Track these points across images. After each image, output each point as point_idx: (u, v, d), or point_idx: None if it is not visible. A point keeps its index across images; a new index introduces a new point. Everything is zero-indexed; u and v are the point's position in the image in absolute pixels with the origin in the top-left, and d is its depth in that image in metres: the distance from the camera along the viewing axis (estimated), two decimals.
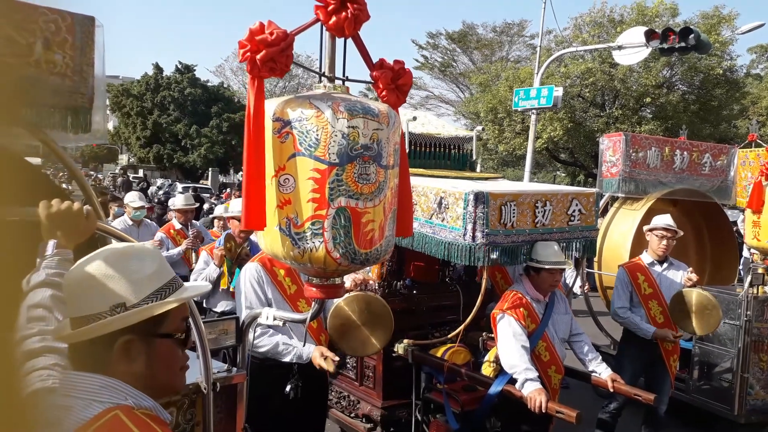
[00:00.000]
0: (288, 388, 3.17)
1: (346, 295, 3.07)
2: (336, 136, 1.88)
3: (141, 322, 1.27)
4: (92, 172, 31.89)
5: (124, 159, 50.49)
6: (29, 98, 2.84)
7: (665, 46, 10.45)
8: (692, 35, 10.15)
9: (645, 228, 4.76)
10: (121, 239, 2.19)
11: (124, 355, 1.27)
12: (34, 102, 2.88)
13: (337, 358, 3.09)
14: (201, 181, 33.34)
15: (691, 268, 4.67)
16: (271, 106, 1.95)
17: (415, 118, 4.45)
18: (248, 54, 1.82)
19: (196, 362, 2.32)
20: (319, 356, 3.08)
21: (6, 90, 2.42)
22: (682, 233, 4.68)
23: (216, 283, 4.90)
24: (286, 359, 3.16)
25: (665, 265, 4.64)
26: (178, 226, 6.44)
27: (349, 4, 1.88)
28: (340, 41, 2.06)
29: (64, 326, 1.34)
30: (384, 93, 2.09)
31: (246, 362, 2.68)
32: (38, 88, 2.84)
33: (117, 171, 42.84)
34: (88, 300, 1.28)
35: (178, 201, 6.91)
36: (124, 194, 10.44)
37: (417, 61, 32.41)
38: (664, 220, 4.60)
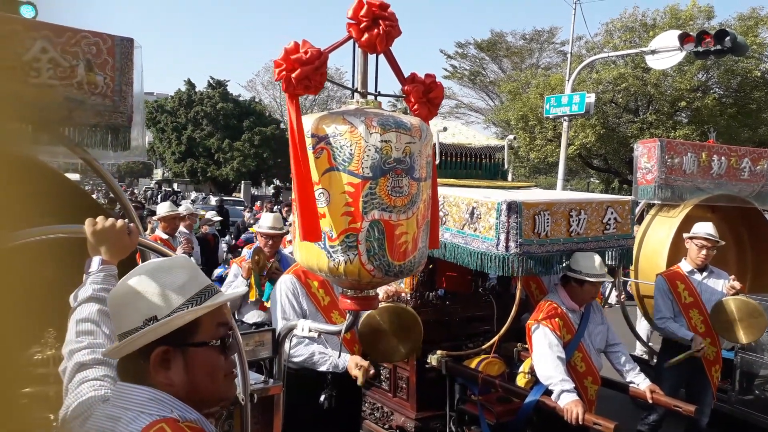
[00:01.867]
0: (322, 398, 3.21)
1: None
2: (369, 150, 1.91)
3: (173, 333, 1.29)
4: (129, 188, 32.73)
5: (159, 173, 51.63)
6: (72, 118, 2.96)
7: (700, 49, 10.25)
8: (728, 37, 9.93)
9: (685, 235, 4.66)
10: (161, 254, 2.25)
11: (160, 365, 1.29)
12: (77, 122, 3.00)
13: (372, 370, 3.12)
14: (234, 194, 33.87)
15: (733, 276, 4.55)
16: (305, 122, 1.99)
17: (445, 129, 4.45)
18: (284, 73, 1.86)
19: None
20: (354, 366, 3.11)
21: (51, 111, 2.52)
22: (723, 243, 4.57)
23: (245, 296, 4.96)
24: (323, 368, 3.20)
25: (705, 273, 4.54)
26: (164, 236, 5.93)
27: (380, 21, 1.92)
28: (371, 56, 2.09)
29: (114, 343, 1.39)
30: (416, 107, 2.11)
31: (282, 373, 2.71)
32: (80, 109, 2.95)
33: (152, 185, 43.80)
34: (126, 317, 1.33)
35: (161, 209, 6.22)
36: None
37: (446, 70, 32.40)
38: (705, 228, 4.49)
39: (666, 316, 4.46)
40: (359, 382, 3.08)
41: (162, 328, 1.28)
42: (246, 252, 5.61)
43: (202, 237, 9.12)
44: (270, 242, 4.92)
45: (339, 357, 3.19)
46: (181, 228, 6.90)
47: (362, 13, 1.94)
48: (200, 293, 1.34)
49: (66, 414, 1.37)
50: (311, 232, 1.97)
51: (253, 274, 4.87)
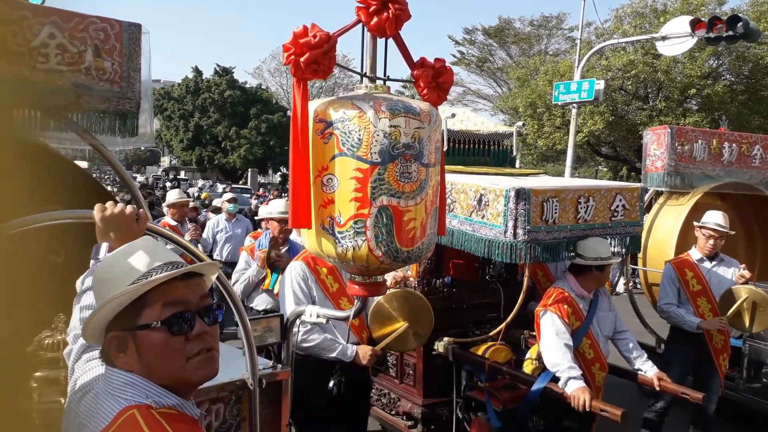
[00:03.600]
0: (331, 383, 3.22)
1: (386, 293, 3.09)
2: (378, 135, 1.90)
3: (121, 317, 1.26)
4: (136, 175, 32.86)
5: (166, 161, 51.78)
6: (80, 104, 2.97)
7: (712, 35, 10.11)
8: (740, 23, 9.79)
9: (695, 223, 4.63)
10: (170, 240, 2.26)
11: (115, 350, 1.27)
12: (85, 107, 3.00)
13: (378, 353, 3.16)
14: (240, 182, 33.93)
15: (743, 265, 4.52)
16: (313, 107, 1.98)
17: (453, 115, 4.43)
18: (292, 57, 1.85)
19: (242, 359, 2.38)
20: (363, 358, 3.17)
21: (59, 97, 2.52)
22: (732, 233, 4.53)
23: (258, 283, 4.99)
24: (332, 355, 3.21)
25: (715, 261, 4.51)
26: (173, 222, 6.02)
27: (390, 5, 1.90)
28: (380, 41, 2.08)
29: None
30: (425, 91, 2.10)
31: (291, 359, 2.73)
32: (88, 94, 2.95)
33: (159, 173, 43.93)
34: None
35: (170, 195, 6.41)
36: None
37: (453, 56, 32.15)
38: (715, 218, 4.45)
39: (671, 301, 4.46)
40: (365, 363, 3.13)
41: (99, 314, 1.26)
42: (249, 240, 5.63)
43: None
44: (285, 227, 4.92)
45: (347, 342, 3.21)
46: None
47: None
48: (146, 275, 1.28)
49: (74, 387, 1.37)
50: (300, 220, 1.99)
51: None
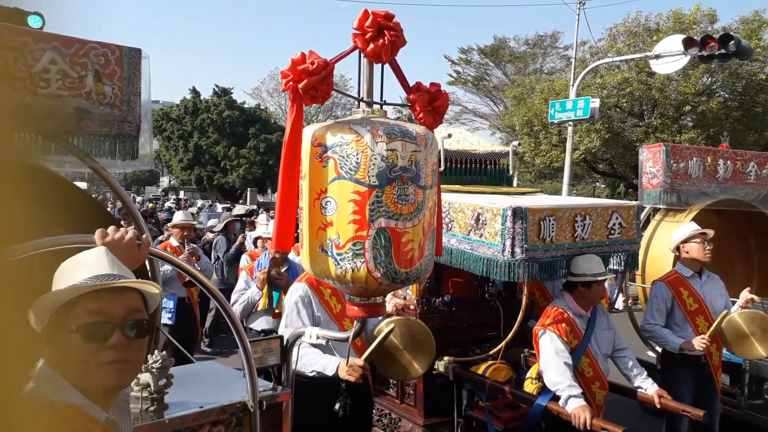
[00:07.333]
0: (337, 406, 3.19)
1: (386, 320, 3.09)
2: (375, 159, 1.93)
3: (54, 315, 1.36)
4: (134, 195, 32.90)
5: (165, 181, 51.85)
6: (81, 128, 3.00)
7: (704, 53, 10.25)
8: (732, 41, 9.93)
9: (678, 242, 4.47)
10: (171, 263, 2.27)
11: (46, 344, 1.37)
12: (85, 131, 3.03)
13: (361, 364, 2.95)
14: (240, 201, 33.99)
15: (748, 288, 4.41)
16: (312, 131, 2.02)
17: (450, 136, 4.47)
18: (291, 83, 1.89)
19: (243, 381, 2.38)
20: (344, 372, 3.00)
21: (60, 121, 2.54)
22: (712, 233, 4.45)
23: (255, 304, 5.02)
24: (309, 372, 3.13)
25: (704, 277, 4.41)
26: (175, 243, 6.16)
27: (386, 32, 1.95)
28: (377, 66, 2.12)
29: None
30: (421, 115, 2.14)
31: (291, 380, 2.72)
32: (89, 118, 2.99)
33: (159, 193, 43.97)
34: None
35: (176, 217, 6.59)
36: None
37: (450, 76, 32.47)
38: (692, 227, 4.41)
39: (657, 322, 4.32)
40: (352, 379, 2.93)
41: (40, 306, 1.35)
42: (246, 259, 5.65)
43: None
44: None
45: (347, 361, 3.20)
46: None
47: (368, 23, 1.97)
48: (85, 281, 1.38)
49: None
50: (282, 242, 2.03)
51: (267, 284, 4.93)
